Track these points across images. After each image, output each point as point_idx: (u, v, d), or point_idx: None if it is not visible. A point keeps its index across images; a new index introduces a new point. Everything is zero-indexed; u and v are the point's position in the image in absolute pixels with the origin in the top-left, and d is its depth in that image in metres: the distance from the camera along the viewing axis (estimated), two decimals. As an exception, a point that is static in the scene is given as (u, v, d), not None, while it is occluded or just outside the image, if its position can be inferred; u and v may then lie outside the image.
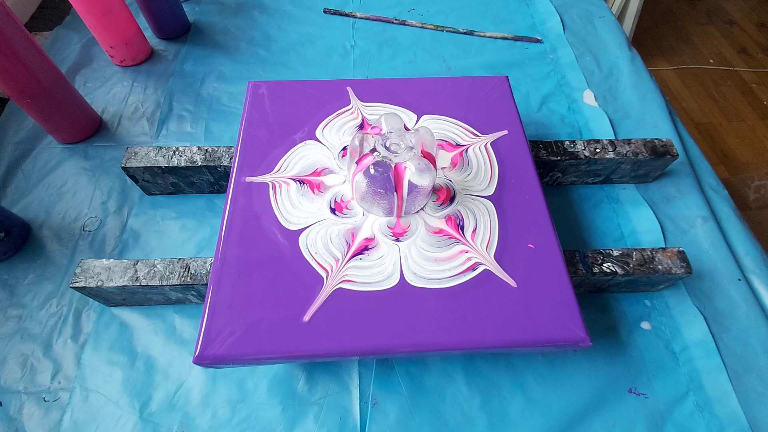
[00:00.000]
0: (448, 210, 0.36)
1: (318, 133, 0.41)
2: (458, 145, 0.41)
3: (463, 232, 0.35)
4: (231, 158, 0.42)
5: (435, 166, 0.34)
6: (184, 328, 0.39)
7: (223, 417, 0.35)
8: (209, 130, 0.53)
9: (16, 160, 0.50)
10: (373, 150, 0.33)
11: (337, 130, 0.41)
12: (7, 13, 0.40)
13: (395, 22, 0.66)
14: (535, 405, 0.36)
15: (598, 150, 0.44)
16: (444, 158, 0.40)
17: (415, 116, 0.43)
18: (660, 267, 0.37)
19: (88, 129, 0.52)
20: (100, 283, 0.35)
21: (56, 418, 0.35)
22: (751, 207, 1.12)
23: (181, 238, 0.44)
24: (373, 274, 0.33)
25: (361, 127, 0.42)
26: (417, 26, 0.66)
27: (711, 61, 1.47)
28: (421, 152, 0.33)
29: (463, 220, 0.36)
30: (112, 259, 0.37)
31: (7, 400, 0.36)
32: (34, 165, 0.49)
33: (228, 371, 0.37)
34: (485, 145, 0.41)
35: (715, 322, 0.40)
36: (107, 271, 0.36)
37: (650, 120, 0.54)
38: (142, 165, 0.42)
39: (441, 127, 0.42)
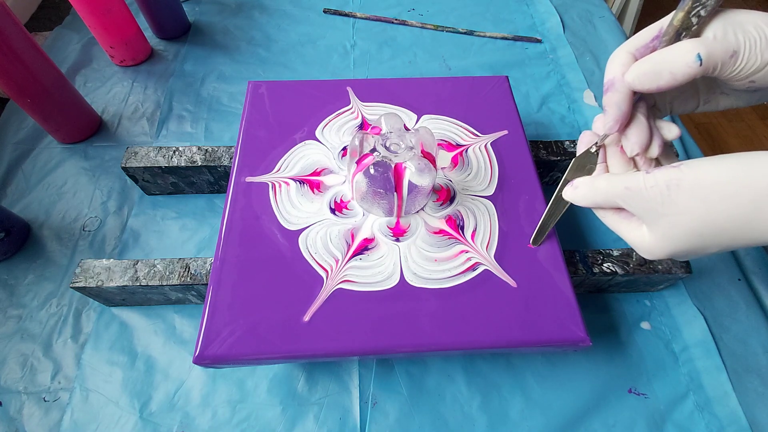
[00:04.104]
0: (448, 210, 0.36)
1: (318, 133, 0.41)
2: (458, 145, 0.41)
3: (463, 232, 0.35)
4: (231, 158, 0.42)
5: (435, 166, 0.34)
6: (184, 328, 0.39)
7: (223, 417, 0.35)
8: (209, 130, 0.53)
9: (16, 160, 0.50)
10: (373, 150, 0.33)
11: (337, 130, 0.41)
12: (7, 13, 0.40)
13: (395, 22, 0.66)
14: (535, 405, 0.36)
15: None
16: (444, 158, 0.40)
17: (415, 116, 0.43)
18: (660, 267, 0.37)
19: (88, 129, 0.52)
20: (100, 283, 0.35)
21: (56, 418, 0.35)
22: (751, 207, 1.12)
23: (181, 238, 0.44)
24: (373, 274, 0.33)
25: (361, 127, 0.42)
26: (417, 26, 0.66)
27: (711, 61, 1.47)
28: (421, 152, 0.33)
29: (463, 220, 0.36)
30: (112, 259, 0.37)
31: (7, 400, 0.36)
32: (34, 165, 0.49)
33: (228, 371, 0.37)
34: (485, 145, 0.41)
35: (715, 322, 0.40)
36: (107, 271, 0.36)
37: (650, 120, 0.54)
38: (142, 165, 0.42)
39: (441, 127, 0.42)
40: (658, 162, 0.28)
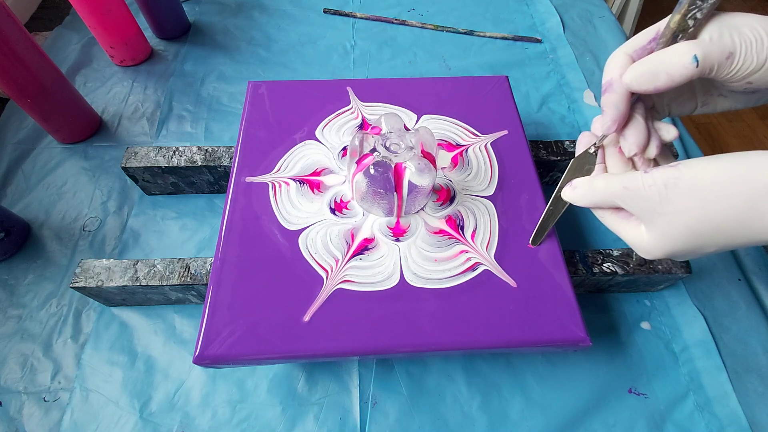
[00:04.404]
0: (448, 210, 0.36)
1: (318, 133, 0.41)
2: (458, 145, 0.41)
3: (463, 232, 0.35)
4: (231, 158, 0.42)
5: (435, 166, 0.34)
6: (184, 328, 0.39)
7: (223, 417, 0.35)
8: (209, 130, 0.53)
9: (16, 160, 0.50)
10: (373, 150, 0.33)
11: (337, 130, 0.41)
12: (7, 13, 0.40)
13: (395, 22, 0.66)
14: (535, 405, 0.36)
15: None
16: (444, 158, 0.40)
17: (415, 116, 0.43)
18: (660, 267, 0.37)
19: (88, 129, 0.52)
20: (100, 283, 0.35)
21: (56, 418, 0.35)
22: (751, 207, 1.12)
23: (181, 238, 0.44)
24: (373, 274, 0.33)
25: (361, 127, 0.42)
26: (417, 26, 0.66)
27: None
28: (421, 152, 0.33)
29: (463, 220, 0.36)
30: (112, 259, 0.37)
31: (7, 400, 0.36)
32: (34, 165, 0.49)
33: (228, 371, 0.37)
34: (485, 145, 0.41)
35: (715, 322, 0.40)
36: (107, 271, 0.36)
37: (650, 120, 0.54)
38: (142, 165, 0.42)
39: (441, 127, 0.42)
40: (656, 163, 0.28)
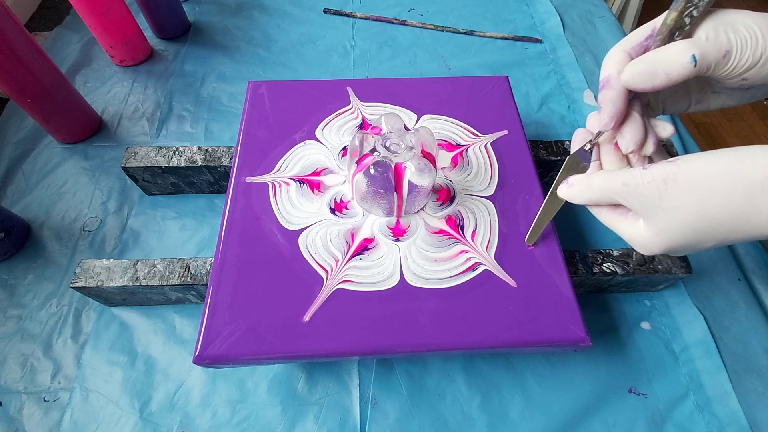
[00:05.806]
0: (448, 210, 0.36)
1: (318, 133, 0.41)
2: (458, 145, 0.41)
3: (463, 232, 0.35)
4: (231, 158, 0.42)
5: (435, 166, 0.34)
6: (184, 328, 0.39)
7: (223, 417, 0.35)
8: (209, 130, 0.53)
9: (16, 160, 0.50)
10: (373, 150, 0.33)
11: (337, 130, 0.41)
12: (7, 13, 0.40)
13: (395, 22, 0.66)
14: (535, 405, 0.36)
15: (598, 150, 0.44)
16: (444, 158, 0.40)
17: (415, 116, 0.43)
18: (660, 267, 0.37)
19: (88, 129, 0.52)
20: (100, 283, 0.35)
21: (56, 418, 0.35)
22: (751, 207, 1.11)
23: (181, 238, 0.44)
24: (373, 275, 0.33)
25: (361, 127, 0.42)
26: (417, 26, 0.66)
27: (711, 61, 1.47)
28: (421, 152, 0.33)
29: (463, 220, 0.36)
30: (112, 259, 0.37)
31: (7, 400, 0.36)
32: (34, 165, 0.49)
33: (228, 371, 0.37)
34: (485, 145, 0.41)
35: (715, 322, 0.40)
36: (107, 271, 0.36)
37: (650, 120, 0.54)
38: (142, 165, 0.42)
39: (441, 127, 0.42)
40: (650, 160, 0.28)
